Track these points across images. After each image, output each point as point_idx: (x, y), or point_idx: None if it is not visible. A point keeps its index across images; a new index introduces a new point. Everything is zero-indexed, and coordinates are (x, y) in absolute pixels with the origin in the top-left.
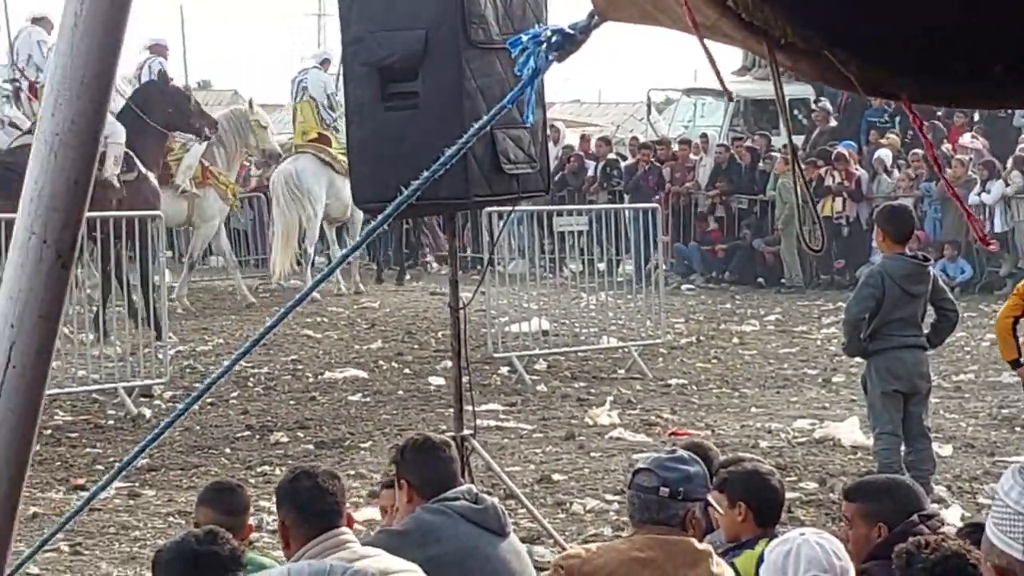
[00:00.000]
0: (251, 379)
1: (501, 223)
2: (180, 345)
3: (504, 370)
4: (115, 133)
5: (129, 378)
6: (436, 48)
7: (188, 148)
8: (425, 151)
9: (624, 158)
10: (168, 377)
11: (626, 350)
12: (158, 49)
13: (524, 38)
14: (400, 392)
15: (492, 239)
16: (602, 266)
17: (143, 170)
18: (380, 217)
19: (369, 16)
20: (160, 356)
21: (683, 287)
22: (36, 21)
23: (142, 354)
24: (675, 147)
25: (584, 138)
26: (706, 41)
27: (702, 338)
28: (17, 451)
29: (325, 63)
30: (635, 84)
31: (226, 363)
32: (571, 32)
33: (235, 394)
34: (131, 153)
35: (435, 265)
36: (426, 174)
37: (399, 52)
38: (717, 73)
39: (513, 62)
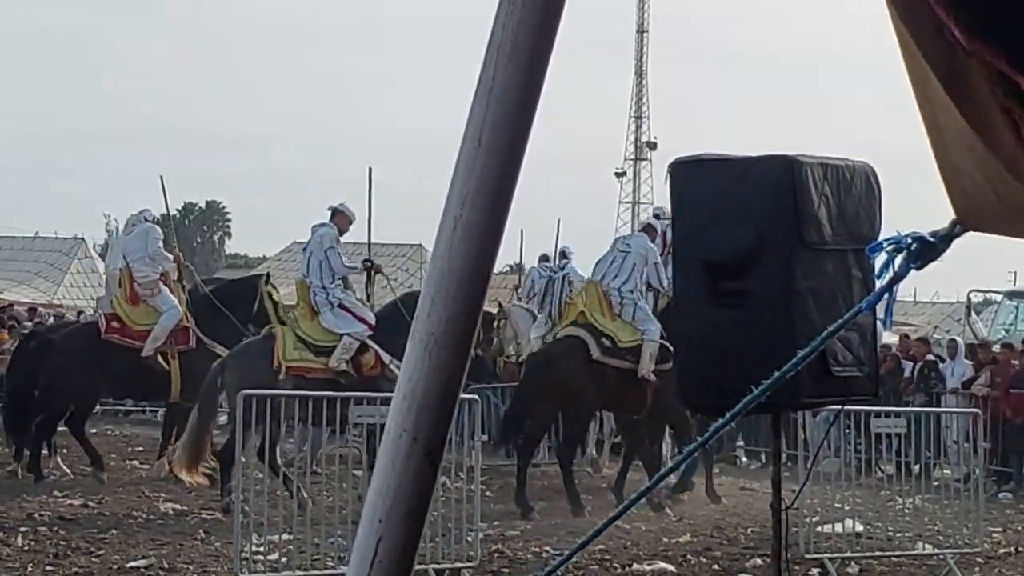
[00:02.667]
0: (560, 568)
1: (815, 419)
2: (488, 529)
3: (815, 572)
4: (650, 331)
5: (439, 560)
6: (768, 247)
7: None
8: (753, 350)
9: (942, 360)
10: (477, 561)
11: (941, 557)
12: None
13: (885, 245)
14: None
15: (806, 437)
16: (917, 468)
17: None
18: (727, 416)
19: (701, 211)
20: (469, 539)
21: (999, 495)
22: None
23: (452, 535)
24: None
25: (904, 338)
26: None
27: (1021, 548)
28: None
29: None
30: (951, 284)
31: (534, 549)
32: (932, 240)
33: None
34: (667, 346)
35: (744, 459)
36: (776, 375)
37: (730, 249)
38: None
39: (871, 267)
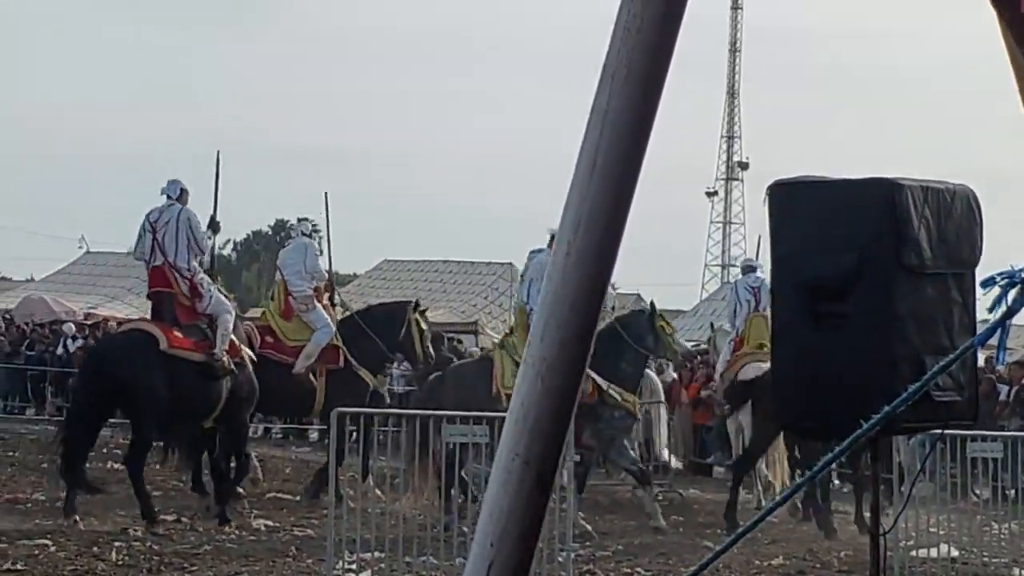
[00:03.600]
0: None
1: (909, 442)
2: (580, 549)
3: None
4: None
5: None
6: (867, 270)
7: None
8: (851, 373)
9: None
10: None
11: None
12: None
13: (998, 279)
14: None
15: (901, 460)
16: (1013, 493)
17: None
18: (838, 449)
19: (801, 234)
20: (561, 559)
21: None
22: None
23: (544, 555)
24: None
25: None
26: None
27: None
28: None
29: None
30: None
31: (625, 570)
32: None
33: None
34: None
35: (836, 482)
36: (887, 409)
37: (829, 272)
38: None
39: (971, 290)
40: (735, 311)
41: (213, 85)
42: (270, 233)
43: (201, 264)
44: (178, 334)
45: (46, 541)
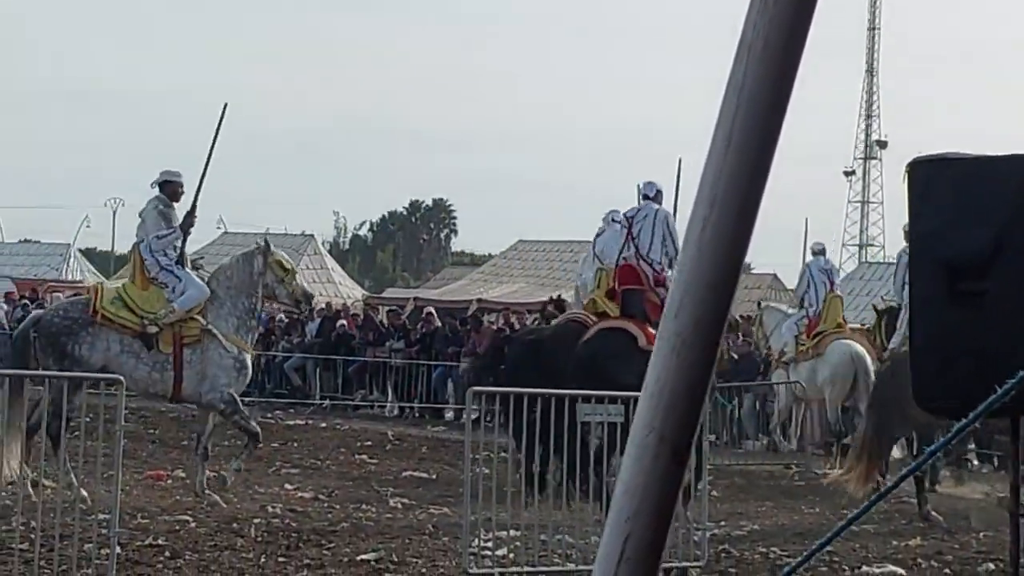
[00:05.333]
0: (787, 567)
1: None
2: (715, 529)
3: None
4: None
5: (667, 559)
6: (1009, 247)
7: None
8: (990, 352)
9: None
10: (704, 561)
11: None
12: None
13: None
14: None
15: None
16: None
17: None
18: (971, 417)
19: (939, 211)
20: (696, 538)
21: None
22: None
23: (680, 535)
24: None
25: None
26: None
27: None
28: None
29: None
30: None
31: (761, 550)
32: None
33: None
34: None
35: (975, 463)
36: (1021, 374)
37: (970, 250)
38: None
39: None
40: (806, 292)
41: (354, 66)
42: (405, 214)
43: (672, 264)
44: (652, 331)
45: (186, 517)
